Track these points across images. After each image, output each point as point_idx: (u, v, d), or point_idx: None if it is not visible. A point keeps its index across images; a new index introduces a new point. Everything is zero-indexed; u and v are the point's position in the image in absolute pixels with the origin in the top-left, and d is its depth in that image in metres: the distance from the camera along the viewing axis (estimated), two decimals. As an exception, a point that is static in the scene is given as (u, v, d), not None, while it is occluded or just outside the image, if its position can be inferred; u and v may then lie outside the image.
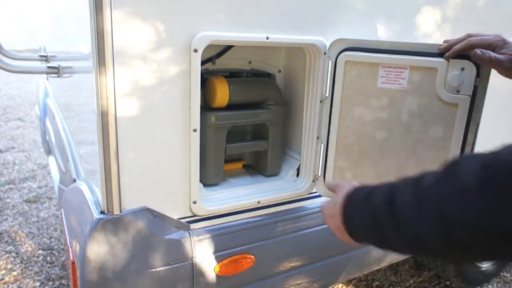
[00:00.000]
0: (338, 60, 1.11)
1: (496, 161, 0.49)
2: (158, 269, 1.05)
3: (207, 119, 1.15)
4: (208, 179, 1.22)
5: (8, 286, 2.10)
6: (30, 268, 2.25)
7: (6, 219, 2.77)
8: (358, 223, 0.71)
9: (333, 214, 0.77)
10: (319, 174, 1.26)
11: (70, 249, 1.10)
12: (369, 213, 0.65)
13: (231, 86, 1.18)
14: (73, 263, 1.04)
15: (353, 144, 1.16)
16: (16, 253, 2.38)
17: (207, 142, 1.18)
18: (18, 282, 2.12)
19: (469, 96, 0.99)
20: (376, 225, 0.63)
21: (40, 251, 2.40)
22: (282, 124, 1.32)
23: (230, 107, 1.21)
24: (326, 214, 0.82)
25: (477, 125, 1.00)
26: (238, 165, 1.40)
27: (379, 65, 1.07)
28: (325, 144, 1.21)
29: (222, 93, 1.17)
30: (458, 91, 1.00)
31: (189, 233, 1.09)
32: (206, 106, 1.22)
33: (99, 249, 0.97)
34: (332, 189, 0.88)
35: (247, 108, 1.25)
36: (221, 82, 1.17)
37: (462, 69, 0.99)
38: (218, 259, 1.14)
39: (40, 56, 2.01)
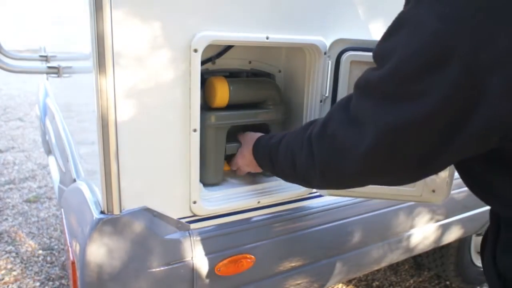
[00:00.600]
0: (342, 60, 1.12)
1: (330, 129, 0.74)
2: (158, 269, 1.05)
3: (207, 119, 1.14)
4: (208, 179, 1.22)
5: (8, 286, 2.10)
6: (30, 268, 2.25)
7: (6, 219, 2.77)
8: (261, 156, 1.05)
9: (244, 154, 1.16)
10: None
11: (70, 249, 1.10)
12: (268, 148, 0.99)
13: (231, 86, 1.17)
14: (73, 263, 1.04)
15: None
16: (16, 253, 2.38)
17: (207, 142, 1.17)
18: (18, 282, 2.13)
19: None
20: (269, 158, 0.98)
21: (40, 251, 2.40)
22: (282, 124, 1.32)
23: (230, 107, 1.21)
24: (240, 157, 1.19)
25: None
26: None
27: None
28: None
29: (222, 93, 1.16)
30: None
31: (189, 233, 1.09)
32: (206, 106, 1.22)
33: (99, 249, 0.97)
34: (240, 139, 1.21)
35: (247, 108, 1.25)
36: (221, 82, 1.17)
37: None
38: (218, 259, 1.14)
39: (40, 56, 2.01)
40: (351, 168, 0.68)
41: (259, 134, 1.14)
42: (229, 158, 1.30)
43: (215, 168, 1.23)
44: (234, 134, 1.24)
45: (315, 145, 0.74)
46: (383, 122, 0.61)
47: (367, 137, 0.64)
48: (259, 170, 1.16)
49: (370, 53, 1.13)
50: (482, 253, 0.81)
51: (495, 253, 0.72)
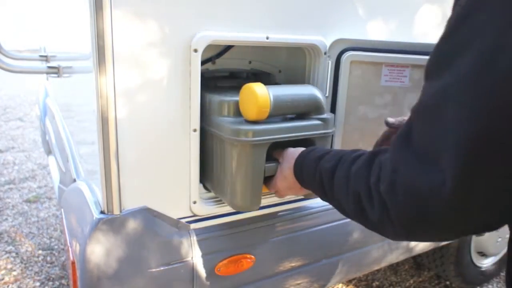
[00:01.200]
0: (342, 60, 1.13)
1: (399, 177, 0.56)
2: (158, 269, 1.05)
3: (243, 134, 0.95)
4: (243, 205, 1.03)
5: (8, 286, 2.10)
6: (30, 268, 2.25)
7: (6, 219, 2.77)
8: (308, 178, 0.87)
9: (284, 175, 0.96)
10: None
11: (70, 249, 1.10)
12: (318, 172, 0.81)
13: (273, 94, 0.96)
14: (73, 263, 1.04)
15: (358, 141, 1.18)
16: (16, 253, 2.38)
17: (242, 162, 0.98)
18: (18, 282, 2.13)
19: None
20: (321, 184, 0.80)
21: (40, 251, 2.40)
22: (330, 137, 1.12)
23: (268, 119, 1.02)
24: (280, 179, 0.98)
25: None
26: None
27: (383, 64, 1.11)
28: (340, 140, 1.22)
29: (263, 103, 0.95)
30: None
31: (189, 233, 1.09)
32: (234, 117, 1.03)
33: (99, 249, 0.97)
34: (278, 157, 1.01)
35: (290, 120, 1.06)
36: (262, 90, 0.96)
37: None
38: (218, 259, 1.14)
39: (40, 56, 2.01)
40: (440, 218, 0.52)
41: (300, 150, 0.95)
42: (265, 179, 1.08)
43: (253, 192, 1.01)
44: (269, 151, 1.02)
45: (387, 199, 0.58)
46: (464, 139, 0.47)
47: (448, 169, 0.49)
48: (304, 193, 0.97)
49: (370, 53, 1.14)
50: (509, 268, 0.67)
51: None
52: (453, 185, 0.48)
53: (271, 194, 1.10)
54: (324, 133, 1.07)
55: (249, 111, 0.97)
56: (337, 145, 1.20)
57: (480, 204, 0.49)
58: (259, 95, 0.94)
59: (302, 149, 0.94)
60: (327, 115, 1.08)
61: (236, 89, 1.12)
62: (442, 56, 0.54)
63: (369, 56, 1.12)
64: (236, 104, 1.01)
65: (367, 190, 0.63)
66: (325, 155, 0.82)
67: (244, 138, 0.95)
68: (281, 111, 1.01)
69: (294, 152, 0.94)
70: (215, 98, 1.05)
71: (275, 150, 1.02)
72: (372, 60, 1.13)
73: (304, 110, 1.06)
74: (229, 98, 1.03)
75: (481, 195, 0.48)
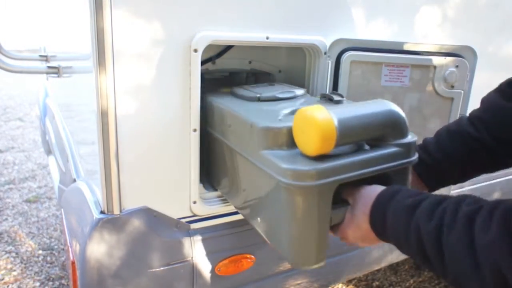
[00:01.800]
0: (343, 59, 1.13)
1: None
2: (158, 269, 1.05)
3: (303, 177, 0.71)
4: (304, 262, 0.80)
5: (8, 286, 2.10)
6: (30, 268, 2.25)
7: (6, 219, 2.77)
8: (396, 233, 0.65)
9: (357, 224, 0.72)
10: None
11: (70, 249, 1.10)
12: (414, 233, 0.61)
13: (338, 118, 0.71)
14: (73, 263, 1.04)
15: None
16: (16, 253, 2.38)
17: (302, 211, 0.74)
18: (18, 282, 2.12)
19: (463, 90, 1.14)
20: (420, 249, 0.60)
21: (40, 251, 2.40)
22: (411, 167, 0.84)
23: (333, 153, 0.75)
24: (351, 228, 0.75)
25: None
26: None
27: (383, 64, 1.11)
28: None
29: (327, 133, 0.70)
30: (453, 86, 1.14)
31: (189, 233, 1.09)
32: (288, 149, 0.79)
33: (99, 249, 0.97)
34: (349, 198, 0.77)
35: (360, 149, 0.80)
36: (323, 114, 0.70)
37: (457, 66, 1.12)
38: (218, 259, 1.14)
39: (40, 56, 2.01)
40: None
41: (377, 190, 0.72)
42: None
43: (316, 246, 0.78)
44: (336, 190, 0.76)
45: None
46: None
47: None
48: (379, 243, 0.74)
49: (370, 53, 1.14)
50: None
51: None
52: None
53: None
54: (406, 162, 0.80)
55: (309, 144, 0.72)
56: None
57: None
58: (320, 122, 0.69)
59: (380, 188, 0.72)
60: (410, 137, 0.81)
61: (277, 100, 0.95)
62: None
63: (369, 56, 1.12)
64: (290, 132, 0.77)
65: (475, 266, 0.50)
66: (418, 205, 0.62)
67: (304, 183, 0.71)
68: (350, 139, 0.75)
69: (370, 193, 0.72)
70: (258, 123, 0.81)
71: (343, 188, 0.77)
72: (372, 60, 1.13)
73: (379, 134, 0.79)
74: (278, 124, 0.80)
75: None
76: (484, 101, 0.91)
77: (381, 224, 0.68)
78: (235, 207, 1.04)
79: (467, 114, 0.93)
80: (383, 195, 0.70)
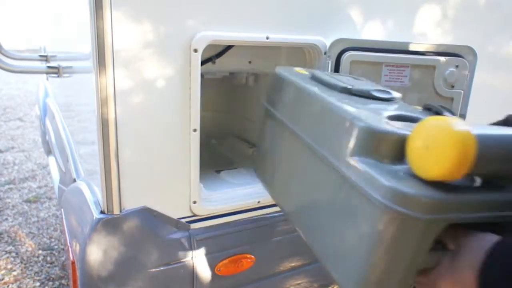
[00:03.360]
0: (343, 60, 1.13)
1: None
2: (158, 269, 1.05)
3: (414, 203, 0.54)
4: None
5: (8, 286, 2.10)
6: (30, 268, 2.25)
7: (6, 219, 2.77)
8: None
9: (461, 280, 0.55)
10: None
11: (70, 249, 1.10)
12: None
13: (479, 135, 0.52)
14: (73, 263, 1.04)
15: None
16: (16, 253, 2.38)
17: (398, 243, 0.57)
18: (18, 282, 2.12)
19: (463, 90, 1.14)
20: None
21: (40, 251, 2.40)
22: None
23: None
24: (448, 283, 0.58)
25: (464, 116, 1.18)
26: None
27: (383, 64, 1.12)
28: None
29: (466, 152, 0.51)
30: (453, 86, 1.14)
31: (189, 233, 1.09)
32: (394, 163, 0.61)
33: (99, 249, 0.97)
34: (451, 243, 0.60)
35: (489, 187, 0.59)
36: (463, 128, 0.52)
37: (457, 66, 1.13)
38: (218, 259, 1.14)
39: (40, 56, 2.01)
40: None
41: (492, 239, 0.54)
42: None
43: (399, 286, 0.61)
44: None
45: None
46: None
47: None
48: None
49: (370, 53, 1.14)
50: None
51: None
52: None
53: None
54: None
55: (436, 162, 0.53)
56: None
57: None
58: (462, 137, 0.51)
59: (496, 238, 0.54)
60: None
61: (372, 99, 0.77)
62: None
63: (369, 56, 1.12)
64: (401, 142, 0.59)
65: None
66: None
67: (412, 212, 0.54)
68: (490, 167, 0.57)
69: (483, 243, 0.54)
70: (359, 121, 0.64)
71: (446, 230, 0.58)
72: (372, 60, 1.13)
73: None
74: (389, 128, 0.62)
75: None
76: None
77: (496, 283, 0.51)
78: (284, 211, 0.88)
79: None
80: (502, 246, 0.52)
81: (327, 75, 0.88)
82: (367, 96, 0.79)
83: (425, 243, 0.57)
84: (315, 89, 0.78)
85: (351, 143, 0.64)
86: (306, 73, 0.92)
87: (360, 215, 0.61)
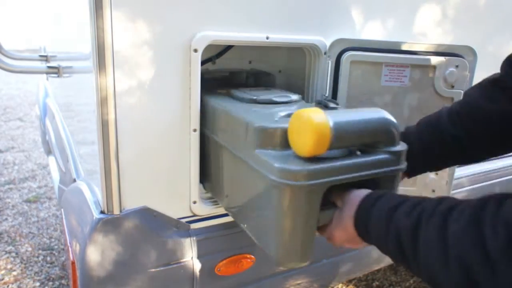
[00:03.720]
0: (343, 60, 1.13)
1: None
2: (158, 269, 1.05)
3: (295, 176, 0.73)
4: (289, 260, 0.83)
5: (8, 286, 2.10)
6: (30, 268, 2.25)
7: (6, 219, 2.77)
8: (376, 235, 0.68)
9: (344, 226, 0.75)
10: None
11: (70, 249, 1.10)
12: (394, 230, 0.63)
13: (334, 121, 0.73)
14: (73, 263, 1.04)
15: None
16: (16, 253, 2.38)
17: (292, 210, 0.76)
18: (18, 282, 2.13)
19: (463, 90, 1.13)
20: (398, 247, 0.62)
21: (40, 251, 2.40)
22: (400, 174, 0.86)
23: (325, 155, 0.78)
24: (337, 229, 0.77)
25: None
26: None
27: (383, 64, 1.12)
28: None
29: (322, 135, 0.72)
30: (453, 86, 1.15)
31: (189, 233, 1.09)
32: (282, 150, 0.80)
33: (99, 249, 0.97)
34: (337, 200, 0.80)
35: (351, 155, 0.82)
36: (320, 117, 0.72)
37: (457, 66, 1.13)
38: (218, 259, 1.14)
39: (40, 56, 2.01)
40: None
41: (364, 194, 0.75)
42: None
43: (302, 246, 0.80)
44: (325, 192, 0.78)
45: (506, 267, 0.45)
46: None
47: None
48: (363, 245, 0.78)
49: (370, 53, 1.14)
50: None
51: None
52: None
53: None
54: (395, 170, 0.82)
55: (303, 145, 0.74)
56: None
57: None
58: (317, 124, 0.71)
59: (367, 192, 0.74)
60: (400, 146, 0.83)
61: (272, 104, 0.98)
62: None
63: (369, 56, 1.12)
64: (284, 133, 0.79)
65: (483, 258, 0.47)
66: (400, 206, 0.64)
67: (297, 182, 0.73)
68: (344, 143, 0.78)
69: (357, 197, 0.74)
70: (252, 124, 0.83)
71: (332, 191, 0.79)
72: (372, 60, 1.13)
73: (371, 141, 0.82)
74: (275, 125, 0.81)
75: None
76: (466, 95, 0.95)
77: (365, 226, 0.71)
78: (225, 208, 1.05)
79: (449, 105, 0.97)
80: (368, 198, 0.72)
81: (240, 91, 1.07)
82: (270, 102, 1.00)
83: (314, 204, 0.76)
84: (226, 104, 0.97)
85: (251, 140, 0.82)
86: (224, 92, 1.13)
87: (265, 194, 0.80)
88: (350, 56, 1.12)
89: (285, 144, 0.78)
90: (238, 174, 0.93)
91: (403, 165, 0.83)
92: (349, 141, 0.78)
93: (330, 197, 0.81)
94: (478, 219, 0.50)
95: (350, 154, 0.82)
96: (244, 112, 0.90)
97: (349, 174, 0.77)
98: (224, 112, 0.96)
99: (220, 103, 1.01)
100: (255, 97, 1.01)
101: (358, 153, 0.83)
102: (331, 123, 0.72)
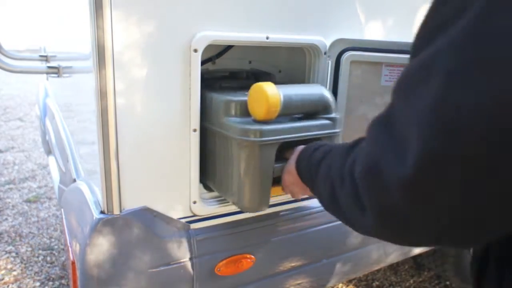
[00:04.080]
0: (343, 60, 1.13)
1: (371, 161, 0.51)
2: (158, 269, 1.05)
3: (252, 134, 0.95)
4: (251, 206, 1.03)
5: (8, 286, 2.10)
6: (30, 268, 2.25)
7: (6, 219, 2.77)
8: (304, 172, 0.86)
9: (289, 170, 0.94)
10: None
11: (70, 249, 1.10)
12: (308, 166, 0.81)
13: (283, 94, 0.95)
14: (73, 263, 1.04)
15: None
16: (16, 253, 2.38)
17: (251, 163, 0.98)
18: (18, 282, 2.13)
19: None
20: (310, 178, 0.80)
21: (40, 251, 2.40)
22: (337, 138, 1.11)
23: (277, 119, 1.01)
24: (285, 174, 0.96)
25: None
26: (278, 190, 1.08)
27: (383, 64, 1.11)
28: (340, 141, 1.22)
29: (273, 103, 0.93)
30: None
31: (189, 233, 1.09)
32: (241, 117, 1.01)
33: (99, 249, 0.97)
34: (289, 155, 0.98)
35: (298, 120, 1.05)
36: (271, 89, 0.95)
37: None
38: (218, 259, 1.14)
39: (40, 56, 2.01)
40: (402, 214, 0.46)
41: (302, 147, 0.93)
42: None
43: (261, 193, 1.01)
44: (281, 152, 1.02)
45: (360, 184, 0.52)
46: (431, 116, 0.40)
47: (411, 151, 0.42)
48: (307, 190, 0.90)
49: (370, 53, 1.14)
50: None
51: None
52: (413, 174, 0.42)
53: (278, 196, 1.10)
54: (332, 132, 1.06)
55: (259, 111, 0.95)
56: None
57: (445, 203, 0.42)
58: (269, 95, 0.92)
59: (308, 145, 0.92)
60: (335, 114, 1.07)
61: (239, 89, 1.13)
62: (436, 23, 0.45)
63: (369, 56, 1.12)
64: (244, 104, 0.99)
65: (339, 176, 0.59)
66: (319, 147, 0.81)
67: (253, 138, 0.94)
68: (291, 111, 1.00)
69: (300, 148, 0.92)
70: (221, 98, 1.02)
71: (286, 150, 1.00)
72: (372, 60, 1.13)
73: (313, 110, 1.05)
74: (237, 98, 1.01)
75: (446, 192, 0.41)
76: None
77: (299, 166, 0.88)
78: (216, 190, 1.16)
79: None
80: (307, 146, 0.90)
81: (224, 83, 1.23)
82: (240, 87, 1.18)
83: (268, 157, 0.98)
84: (210, 93, 1.10)
85: (221, 111, 1.01)
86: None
87: (232, 153, 0.99)
88: (350, 56, 1.12)
89: (246, 113, 0.99)
90: (221, 149, 1.07)
91: (339, 129, 1.08)
92: (295, 109, 1.01)
93: (284, 155, 1.01)
94: (349, 149, 0.63)
95: (297, 120, 1.05)
96: (219, 94, 1.08)
97: (294, 134, 1.00)
98: (209, 98, 1.10)
99: (207, 93, 1.11)
100: (229, 85, 1.21)
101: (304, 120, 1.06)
102: (281, 94, 0.94)
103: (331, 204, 0.66)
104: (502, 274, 0.55)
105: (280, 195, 1.09)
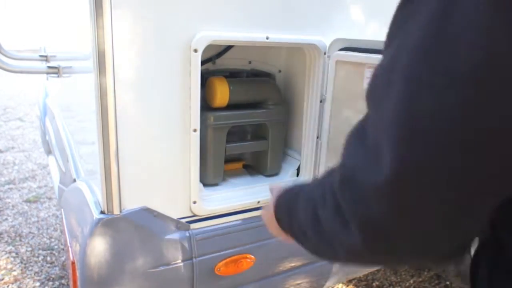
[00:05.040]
0: (330, 59, 1.13)
1: (348, 172, 0.49)
2: (158, 269, 1.05)
3: (206, 119, 1.16)
4: (208, 179, 1.24)
5: (8, 286, 2.10)
6: (30, 268, 2.25)
7: (6, 219, 2.77)
8: (282, 214, 0.77)
9: (267, 210, 0.84)
10: (319, 174, 1.26)
11: (70, 249, 1.10)
12: (287, 203, 0.73)
13: (231, 86, 1.19)
14: (73, 263, 1.04)
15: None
16: (16, 253, 2.38)
17: (206, 142, 1.19)
18: (18, 282, 2.12)
19: None
20: (289, 214, 0.73)
21: (40, 251, 2.40)
22: (282, 124, 1.33)
23: (230, 107, 1.23)
24: (264, 215, 0.86)
25: None
26: (238, 165, 1.41)
27: (365, 65, 1.07)
28: (325, 144, 1.22)
29: (222, 93, 1.18)
30: None
31: (189, 233, 1.09)
32: (206, 106, 1.22)
33: (99, 249, 0.97)
34: (271, 190, 0.89)
35: (247, 108, 1.25)
36: (221, 82, 1.19)
37: None
38: (218, 259, 1.14)
39: (40, 56, 2.01)
40: (382, 225, 0.44)
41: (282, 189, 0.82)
42: (230, 160, 1.36)
43: (215, 168, 1.24)
44: (234, 134, 1.27)
45: (340, 195, 0.50)
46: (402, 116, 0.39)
47: (384, 159, 0.41)
48: (282, 235, 0.80)
49: (354, 53, 1.12)
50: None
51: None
52: (389, 182, 0.40)
53: None
54: (276, 120, 1.29)
55: (212, 99, 1.20)
56: (324, 147, 1.20)
57: (424, 211, 0.41)
58: (220, 84, 1.18)
59: (284, 188, 0.82)
60: (280, 105, 1.29)
61: None
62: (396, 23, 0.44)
63: (352, 56, 1.11)
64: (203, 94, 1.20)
65: (321, 195, 0.56)
66: (295, 187, 0.74)
67: (207, 122, 1.17)
68: (239, 98, 1.23)
69: (278, 190, 0.81)
70: None
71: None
72: (354, 61, 1.11)
73: (261, 99, 1.28)
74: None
75: (422, 198, 0.40)
76: None
77: (279, 209, 0.77)
78: (206, 183, 1.27)
79: None
80: (285, 194, 0.78)
81: None
82: None
83: (220, 138, 1.22)
84: None
85: None
86: None
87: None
88: (336, 55, 1.11)
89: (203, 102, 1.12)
90: None
91: (283, 118, 1.31)
92: (244, 97, 1.24)
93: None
94: (329, 172, 0.57)
95: (248, 108, 1.26)
96: None
97: (242, 119, 1.23)
98: None
99: None
100: None
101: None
102: (230, 85, 1.18)
103: (313, 231, 0.62)
104: (491, 274, 0.54)
105: (236, 169, 1.39)
